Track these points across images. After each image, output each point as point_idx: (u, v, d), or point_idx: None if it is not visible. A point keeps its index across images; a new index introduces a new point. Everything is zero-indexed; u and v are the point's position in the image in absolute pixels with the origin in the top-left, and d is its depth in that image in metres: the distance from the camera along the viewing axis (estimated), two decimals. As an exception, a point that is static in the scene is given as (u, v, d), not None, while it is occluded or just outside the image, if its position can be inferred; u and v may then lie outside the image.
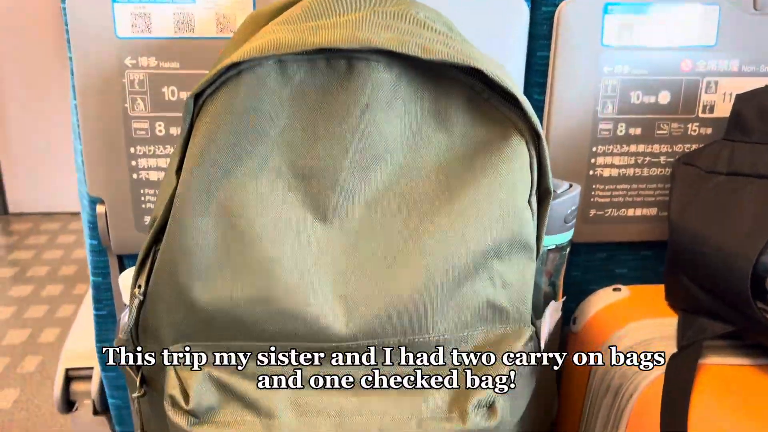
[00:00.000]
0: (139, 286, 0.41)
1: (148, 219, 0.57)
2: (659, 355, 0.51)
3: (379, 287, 0.40)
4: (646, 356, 0.52)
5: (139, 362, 0.43)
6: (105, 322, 0.65)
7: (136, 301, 0.41)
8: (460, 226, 0.39)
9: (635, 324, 0.56)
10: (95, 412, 0.71)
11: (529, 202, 0.41)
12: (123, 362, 0.44)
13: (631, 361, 0.52)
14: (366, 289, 0.40)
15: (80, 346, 0.73)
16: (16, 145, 2.65)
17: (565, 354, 0.61)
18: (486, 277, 0.41)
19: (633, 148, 0.60)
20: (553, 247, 0.48)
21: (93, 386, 0.70)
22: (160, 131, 0.55)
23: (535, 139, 0.40)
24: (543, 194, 0.42)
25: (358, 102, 0.39)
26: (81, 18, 0.52)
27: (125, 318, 0.52)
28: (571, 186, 0.48)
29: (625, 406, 0.51)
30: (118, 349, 0.44)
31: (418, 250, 0.40)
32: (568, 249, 0.49)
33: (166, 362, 0.40)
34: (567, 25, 0.55)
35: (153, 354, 0.42)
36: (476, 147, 0.40)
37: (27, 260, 2.30)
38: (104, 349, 0.65)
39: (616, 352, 0.54)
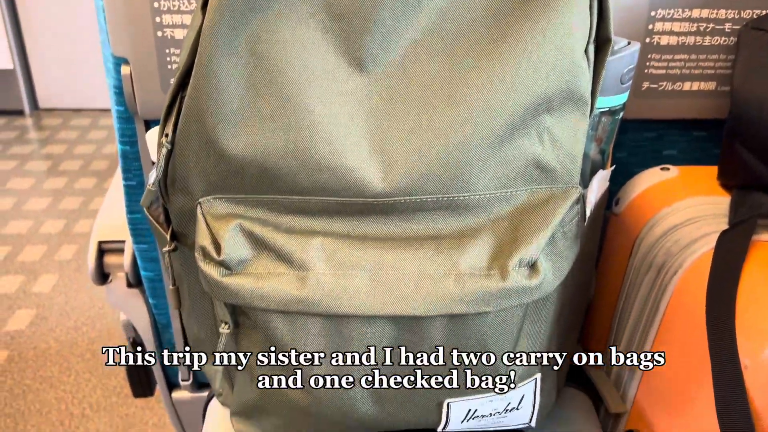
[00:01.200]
0: (167, 135, 0.39)
1: (174, 81, 0.55)
2: (707, 234, 0.48)
3: (418, 141, 0.37)
4: (694, 233, 0.49)
5: (171, 211, 0.42)
6: (134, 192, 0.64)
7: (164, 150, 0.40)
8: (509, 72, 0.36)
9: (683, 202, 0.53)
10: (129, 285, 0.72)
11: (586, 51, 0.38)
12: (151, 215, 0.43)
13: (678, 237, 0.50)
14: (404, 144, 0.37)
15: (112, 219, 0.73)
16: (44, 41, 2.62)
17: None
18: (534, 132, 0.38)
19: (696, 13, 0.54)
20: (606, 110, 0.44)
21: (126, 259, 0.71)
22: (185, -16, 0.51)
23: (597, -22, 0.36)
24: (602, 43, 0.38)
25: None
26: None
27: (151, 176, 0.51)
28: (629, 43, 0.44)
29: (668, 282, 0.49)
30: (146, 203, 0.43)
31: (461, 100, 0.37)
32: (621, 114, 0.46)
33: (199, 212, 0.39)
34: None
35: (183, 204, 0.41)
36: (531, -15, 0.36)
37: (59, 154, 2.32)
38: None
39: (662, 229, 0.51)
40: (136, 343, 0.79)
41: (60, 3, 2.57)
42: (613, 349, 0.57)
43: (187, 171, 0.40)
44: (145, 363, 0.78)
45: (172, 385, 0.80)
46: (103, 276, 0.73)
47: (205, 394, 0.79)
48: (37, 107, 2.75)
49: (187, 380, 0.76)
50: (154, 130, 0.48)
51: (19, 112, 2.68)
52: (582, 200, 0.41)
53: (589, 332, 0.63)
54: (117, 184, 0.79)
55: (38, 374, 1.31)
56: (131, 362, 0.78)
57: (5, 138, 2.44)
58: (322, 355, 0.39)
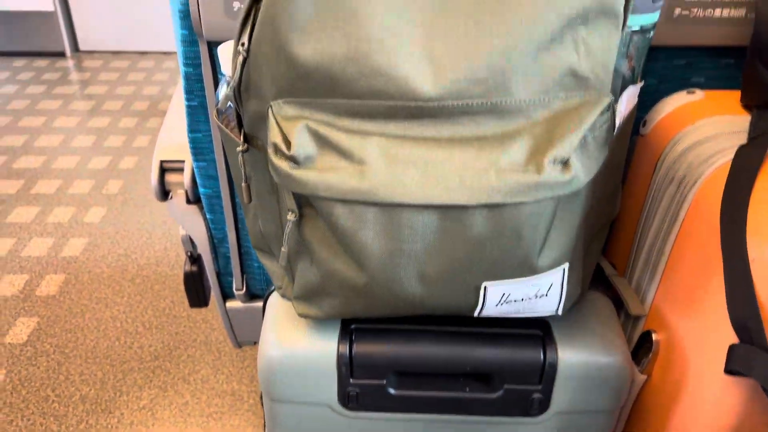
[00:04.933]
0: (242, 44, 0.44)
1: (237, 5, 0.59)
2: (726, 148, 0.52)
3: (466, 49, 0.42)
4: (714, 147, 0.53)
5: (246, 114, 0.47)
6: (196, 112, 0.70)
7: (240, 58, 0.45)
8: (550, -13, 0.40)
9: (705, 120, 0.57)
10: (188, 201, 0.78)
11: (621, -34, 0.41)
12: (222, 122, 0.49)
13: (699, 152, 0.54)
14: (453, 52, 0.42)
15: (172, 139, 0.78)
16: (82, -20, 2.66)
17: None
18: (571, 42, 0.42)
19: (730, -60, 0.57)
20: (638, 28, 0.48)
21: (186, 177, 0.76)
22: None
23: None
24: (635, -41, 0.42)
25: None
26: None
27: (223, 87, 0.56)
28: (662, -36, 0.47)
29: (687, 193, 0.54)
30: (223, 107, 0.49)
31: (505, 12, 0.41)
32: (652, 33, 0.49)
33: (270, 113, 0.45)
34: None
35: (255, 107, 0.47)
36: None
37: (101, 95, 2.39)
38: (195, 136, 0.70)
39: (684, 145, 0.56)
40: (193, 256, 0.87)
41: (98, -56, 2.60)
42: (635, 258, 0.62)
43: (260, 77, 0.45)
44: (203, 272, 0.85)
45: (226, 295, 0.87)
46: (164, 193, 0.79)
47: (256, 304, 0.87)
48: (77, 49, 2.82)
49: (241, 290, 0.83)
50: (225, 45, 0.53)
51: (61, 54, 2.75)
52: (612, 108, 0.45)
53: (614, 245, 0.68)
54: (175, 106, 0.85)
55: (94, 295, 1.41)
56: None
57: (49, 79, 2.52)
58: (377, 238, 0.45)
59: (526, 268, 0.46)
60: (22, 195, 1.77)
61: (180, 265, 1.51)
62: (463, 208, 0.43)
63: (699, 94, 0.61)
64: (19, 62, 2.67)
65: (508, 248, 0.45)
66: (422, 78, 0.42)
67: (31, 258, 1.52)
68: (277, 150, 0.44)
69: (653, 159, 0.60)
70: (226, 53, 0.52)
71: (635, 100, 0.52)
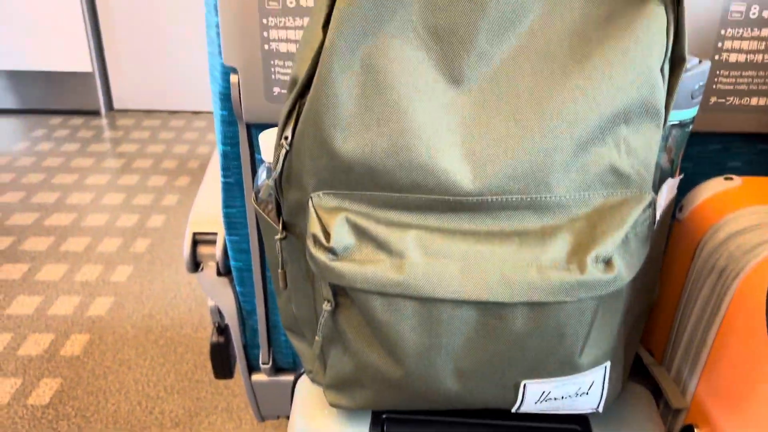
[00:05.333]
0: (286, 137, 0.45)
1: (276, 90, 0.61)
2: (770, 240, 0.51)
3: (506, 147, 0.42)
4: (756, 238, 0.52)
5: (285, 204, 0.48)
6: (231, 189, 0.71)
7: (283, 151, 0.46)
8: (591, 87, 0.41)
9: (746, 210, 0.56)
10: (219, 273, 0.79)
11: (662, 68, 0.42)
12: (261, 208, 0.49)
13: (740, 242, 0.53)
14: (493, 148, 0.42)
15: (205, 212, 0.80)
16: (121, 47, 2.77)
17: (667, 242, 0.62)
18: (612, 141, 0.42)
19: (765, 32, 0.57)
20: (677, 122, 0.48)
21: (218, 249, 0.77)
22: (291, 3, 0.57)
23: (674, 4, 0.40)
24: (677, 61, 0.42)
25: None
26: None
27: (263, 174, 0.57)
28: (700, 62, 0.48)
29: (730, 285, 0.53)
30: (264, 195, 0.49)
31: (546, 111, 0.41)
32: (690, 126, 0.49)
33: (310, 205, 0.45)
34: None
35: (296, 197, 0.47)
36: (614, 8, 0.41)
37: (132, 153, 2.45)
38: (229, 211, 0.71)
39: (725, 234, 0.55)
40: (221, 327, 0.87)
41: (138, 12, 2.72)
42: (674, 346, 0.61)
43: (301, 169, 0.46)
44: (230, 345, 0.85)
45: (251, 367, 0.87)
46: (195, 264, 0.80)
47: (281, 378, 0.86)
48: (111, 108, 2.91)
49: (267, 363, 0.82)
50: (266, 133, 0.55)
51: (96, 113, 2.85)
52: (653, 205, 0.45)
53: (652, 332, 0.67)
54: (210, 181, 0.87)
55: (117, 357, 1.40)
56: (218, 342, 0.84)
57: (83, 136, 2.60)
58: (414, 332, 0.44)
59: (568, 366, 0.45)
60: (52, 252, 1.79)
61: (203, 327, 1.50)
62: (503, 304, 0.42)
63: (737, 181, 0.60)
64: (55, 120, 2.76)
65: (549, 346, 0.44)
66: (462, 173, 0.42)
67: (57, 317, 1.53)
68: (316, 241, 0.44)
69: (692, 246, 0.59)
70: (265, 140, 0.53)
71: (674, 192, 0.52)
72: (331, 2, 0.41)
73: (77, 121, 2.76)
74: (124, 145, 2.52)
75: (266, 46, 0.59)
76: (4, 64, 2.72)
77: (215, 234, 0.78)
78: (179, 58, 2.81)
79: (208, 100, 2.92)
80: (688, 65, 0.47)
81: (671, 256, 0.63)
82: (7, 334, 1.47)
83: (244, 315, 0.81)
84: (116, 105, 2.90)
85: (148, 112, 2.88)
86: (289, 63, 0.60)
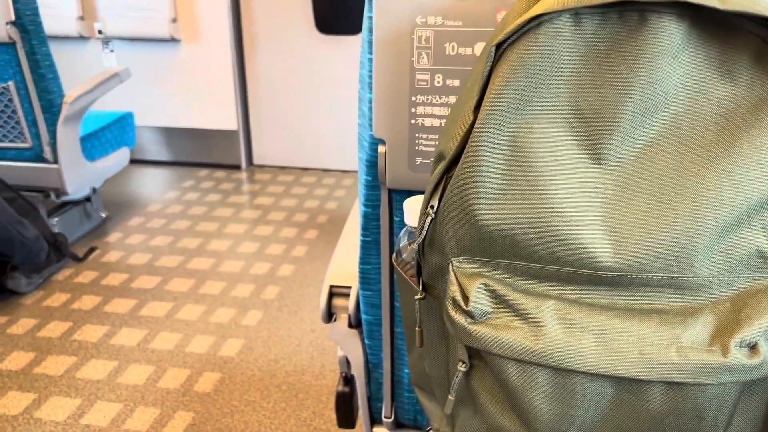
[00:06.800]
0: (432, 206, 0.49)
1: (419, 160, 0.66)
2: None
3: (648, 226, 0.43)
4: None
5: (427, 268, 0.51)
6: (369, 247, 0.76)
7: (428, 218, 0.49)
8: (738, 172, 0.41)
9: None
10: (350, 325, 0.83)
11: (813, 157, 0.42)
12: (407, 268, 0.53)
13: None
14: (634, 227, 0.43)
15: (342, 267, 0.85)
16: (264, 108, 3.03)
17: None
18: (759, 226, 0.42)
19: None
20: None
21: (351, 303, 0.82)
22: (438, 82, 0.63)
23: (829, 93, 0.40)
24: (830, 149, 0.42)
25: (646, 51, 0.42)
26: (383, -18, 0.61)
27: (404, 237, 0.61)
28: None
29: None
30: (407, 258, 0.53)
31: (690, 193, 0.42)
32: None
33: (450, 269, 0.48)
34: None
35: (437, 262, 0.51)
36: (763, 98, 0.41)
37: (267, 206, 2.64)
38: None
39: None
40: (347, 377, 0.91)
41: (281, 79, 2.97)
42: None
43: (444, 236, 0.49)
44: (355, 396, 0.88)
45: (373, 420, 0.90)
46: (329, 315, 0.85)
47: None
48: (251, 163, 3.16)
49: (389, 417, 0.85)
50: (411, 200, 0.59)
51: (237, 167, 3.10)
52: (803, 293, 0.44)
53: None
54: (347, 237, 0.93)
55: (244, 397, 1.49)
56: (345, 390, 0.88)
57: (225, 188, 2.83)
58: (547, 401, 0.45)
59: (707, 451, 0.44)
60: (192, 294, 1.95)
61: (324, 375, 1.56)
62: (640, 381, 0.43)
63: None
64: (202, 172, 3.03)
65: (687, 428, 0.43)
66: (602, 249, 0.44)
67: (193, 354, 1.66)
68: (455, 304, 0.47)
69: None
70: (410, 207, 0.58)
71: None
72: (483, 88, 0.45)
73: (221, 174, 3.02)
74: (261, 198, 2.72)
75: (413, 121, 0.65)
76: (161, 122, 3.06)
77: (350, 288, 0.83)
78: (313, 120, 3.02)
79: (337, 159, 3.09)
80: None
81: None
82: (150, 366, 1.61)
83: (370, 368, 0.85)
84: (256, 160, 3.15)
85: (284, 168, 3.10)
86: (432, 136, 0.65)
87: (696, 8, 0.40)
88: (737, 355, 0.41)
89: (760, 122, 0.41)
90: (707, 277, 0.43)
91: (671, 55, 0.42)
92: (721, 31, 0.42)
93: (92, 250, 2.21)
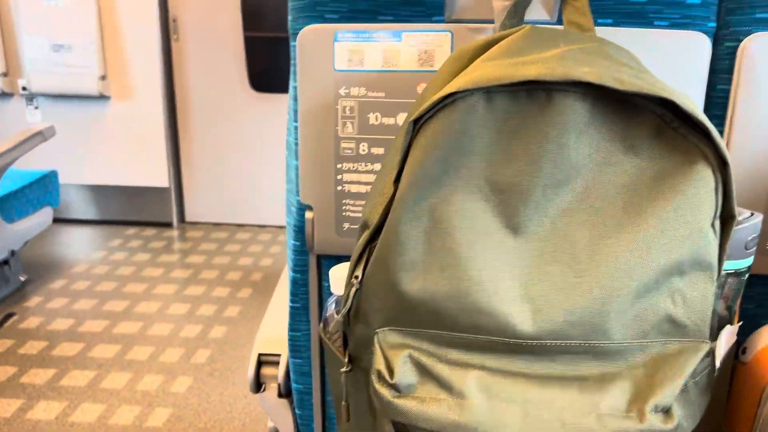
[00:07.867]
0: (356, 276, 0.49)
1: (346, 225, 0.66)
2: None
3: (564, 294, 0.44)
4: (826, 389, 0.51)
5: (351, 340, 0.51)
6: (298, 314, 0.75)
7: (353, 289, 0.49)
8: (644, 242, 0.43)
9: (814, 358, 0.55)
10: (280, 395, 0.81)
11: (713, 224, 0.44)
12: (333, 339, 0.52)
13: (810, 393, 0.52)
14: (551, 295, 0.45)
15: (271, 334, 0.83)
16: (196, 165, 2.99)
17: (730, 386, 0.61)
18: (667, 292, 0.44)
19: (817, 181, 0.59)
20: (732, 271, 0.49)
21: (280, 371, 0.80)
22: (363, 150, 0.64)
23: (721, 166, 0.43)
24: (726, 218, 0.45)
25: (554, 127, 0.44)
26: (308, 54, 0.62)
27: (331, 306, 0.61)
28: (752, 214, 0.50)
29: (801, 437, 0.51)
30: (333, 329, 0.52)
31: (602, 262, 0.44)
32: (746, 274, 0.51)
33: (376, 341, 0.48)
34: (751, 59, 0.57)
35: (362, 332, 0.50)
36: (663, 171, 0.44)
37: (199, 264, 2.57)
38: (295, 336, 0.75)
39: (793, 383, 0.54)
40: (278, 449, 0.87)
41: (213, 136, 2.95)
42: (747, 500, 0.58)
43: (369, 306, 0.49)
44: None
45: (308, 494, 0.86)
46: (258, 385, 0.82)
47: None
48: (183, 220, 3.09)
49: (323, 490, 0.82)
50: (337, 268, 0.59)
51: (168, 224, 3.02)
52: (712, 354, 0.46)
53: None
54: (276, 303, 0.91)
55: (171, 471, 1.41)
56: None
57: (155, 247, 2.75)
58: (475, 474, 0.45)
59: None
60: (117, 360, 1.86)
61: (257, 443, 1.50)
62: (563, 450, 0.43)
63: (802, 325, 0.60)
64: (130, 231, 2.94)
65: (610, 495, 0.44)
66: (521, 317, 0.45)
67: (117, 426, 1.56)
68: (380, 377, 0.47)
69: (757, 390, 0.58)
70: (335, 275, 0.58)
71: (733, 339, 0.52)
72: (402, 162, 0.46)
73: (150, 232, 2.93)
74: (192, 256, 2.65)
75: (339, 187, 0.65)
76: (89, 179, 2.97)
77: (279, 356, 0.81)
78: (249, 175, 3.00)
79: (273, 215, 3.06)
80: (739, 217, 0.50)
81: (736, 399, 0.62)
82: (68, 441, 1.50)
83: (302, 439, 0.82)
84: (188, 217, 3.08)
85: (217, 225, 3.04)
86: (359, 202, 0.65)
87: (598, 88, 0.43)
88: (653, 421, 0.42)
89: (663, 194, 0.44)
90: (622, 343, 0.44)
91: (578, 130, 0.44)
92: (624, 108, 0.45)
93: (9, 316, 2.08)
